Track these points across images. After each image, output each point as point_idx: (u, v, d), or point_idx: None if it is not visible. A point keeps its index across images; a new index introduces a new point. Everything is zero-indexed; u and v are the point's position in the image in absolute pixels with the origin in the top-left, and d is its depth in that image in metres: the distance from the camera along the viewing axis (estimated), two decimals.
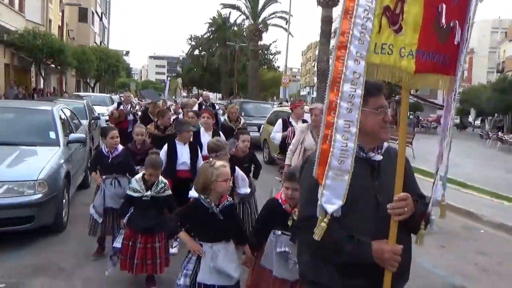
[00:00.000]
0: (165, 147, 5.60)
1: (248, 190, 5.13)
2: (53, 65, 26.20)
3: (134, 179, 4.50)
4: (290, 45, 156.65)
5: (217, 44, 51.41)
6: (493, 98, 35.24)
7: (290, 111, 12.03)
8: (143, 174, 4.47)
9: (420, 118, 39.22)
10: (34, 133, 6.63)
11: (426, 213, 2.08)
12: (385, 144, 2.22)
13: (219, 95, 55.08)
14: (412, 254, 2.20)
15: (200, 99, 20.88)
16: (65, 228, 5.95)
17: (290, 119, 7.43)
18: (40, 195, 5.32)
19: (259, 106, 18.09)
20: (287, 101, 30.67)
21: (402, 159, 2.05)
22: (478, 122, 48.91)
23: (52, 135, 6.67)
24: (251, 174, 5.70)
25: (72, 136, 7.07)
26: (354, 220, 1.95)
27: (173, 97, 22.26)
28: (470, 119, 50.75)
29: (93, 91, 40.15)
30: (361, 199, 1.98)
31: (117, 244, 4.42)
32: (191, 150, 5.65)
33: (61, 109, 7.77)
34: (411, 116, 34.62)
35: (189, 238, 3.33)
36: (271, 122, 13.07)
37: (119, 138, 5.40)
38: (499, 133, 29.25)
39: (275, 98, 46.51)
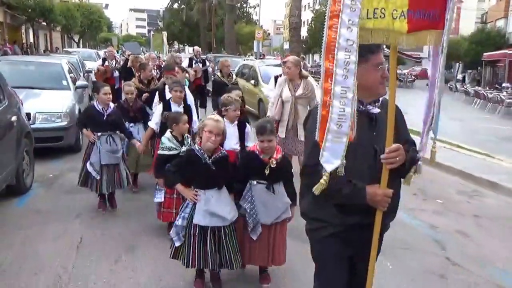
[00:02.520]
0: (160, 107, 5.64)
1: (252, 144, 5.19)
2: (44, 23, 27.96)
3: (166, 138, 4.53)
4: None
5: None
6: (470, 51, 34.50)
7: (257, 65, 14.27)
8: (171, 132, 4.57)
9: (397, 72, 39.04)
10: (52, 81, 9.00)
11: (416, 159, 2.30)
12: (381, 98, 2.38)
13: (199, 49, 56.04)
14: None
15: (182, 54, 22.59)
16: (81, 149, 8.41)
17: (282, 76, 7.19)
18: (65, 123, 7.82)
19: (230, 59, 20.15)
20: (261, 55, 32.43)
21: (392, 114, 2.20)
22: (460, 76, 45.50)
23: (64, 82, 9.11)
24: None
25: (78, 83, 9.56)
26: (354, 166, 2.11)
27: (156, 52, 23.18)
28: (459, 73, 48.04)
29: (77, 47, 41.70)
30: (360, 148, 2.13)
31: (158, 199, 4.64)
32: (185, 110, 5.62)
33: (66, 63, 10.17)
34: None
35: (183, 188, 3.61)
36: (237, 74, 15.38)
37: (111, 95, 5.45)
38: (464, 85, 29.90)
39: (252, 52, 48.08)
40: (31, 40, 32.24)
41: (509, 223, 6.05)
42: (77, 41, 44.31)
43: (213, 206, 3.46)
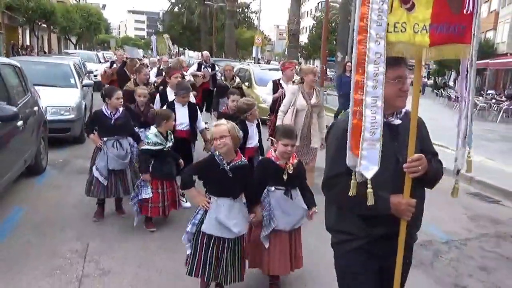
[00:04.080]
0: (164, 107, 5.94)
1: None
2: (44, 25, 29.39)
3: (153, 134, 4.97)
4: (277, 1, 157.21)
5: (196, 2, 53.93)
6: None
7: (253, 69, 15.59)
8: (157, 129, 5.05)
9: None
10: (61, 79, 10.30)
11: (457, 170, 2.44)
12: (403, 109, 2.51)
13: (199, 54, 57.61)
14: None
15: (183, 57, 23.74)
16: (85, 141, 9.69)
17: (281, 81, 7.57)
18: (73, 116, 9.11)
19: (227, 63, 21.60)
20: (259, 61, 33.80)
21: (414, 124, 2.36)
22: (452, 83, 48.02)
23: (72, 81, 10.41)
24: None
25: (84, 82, 10.90)
26: (376, 176, 2.22)
27: (159, 56, 22.94)
28: (451, 80, 50.31)
29: (75, 48, 43.20)
30: (383, 158, 2.22)
31: (146, 195, 5.01)
32: (190, 111, 5.91)
33: (73, 64, 11.48)
34: None
35: (196, 194, 3.66)
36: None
37: (122, 99, 5.51)
38: (446, 90, 32.39)
39: (252, 57, 49.43)
40: (28, 41, 33.82)
41: (441, 192, 7.35)
42: (74, 42, 45.95)
43: (222, 216, 3.49)
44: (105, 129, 5.36)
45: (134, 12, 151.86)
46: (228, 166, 3.49)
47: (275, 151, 3.80)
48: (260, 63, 31.59)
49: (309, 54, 53.91)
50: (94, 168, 5.34)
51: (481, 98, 23.61)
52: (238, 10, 49.69)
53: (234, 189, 3.55)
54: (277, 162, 3.71)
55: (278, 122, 6.36)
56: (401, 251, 2.43)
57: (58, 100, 9.19)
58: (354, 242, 2.49)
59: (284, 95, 6.99)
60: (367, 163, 2.20)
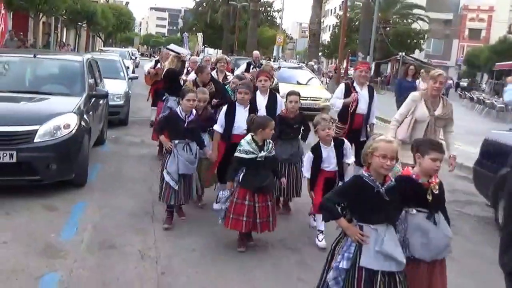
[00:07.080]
0: (224, 108, 5.87)
1: (352, 160, 5.40)
2: (84, 25, 32.67)
3: (245, 141, 4.80)
4: None
5: (220, 1, 56.62)
6: (490, 60, 36.94)
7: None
8: (252, 136, 4.83)
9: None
10: (112, 72, 12.74)
11: None
12: None
13: (220, 51, 60.21)
14: None
15: (203, 54, 25.72)
16: (128, 123, 12.09)
17: (354, 84, 7.10)
18: (122, 102, 11.56)
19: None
20: (278, 60, 35.83)
21: None
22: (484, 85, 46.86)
23: (121, 73, 12.97)
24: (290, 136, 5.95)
25: (130, 75, 13.51)
26: None
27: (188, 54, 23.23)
28: (484, 82, 49.05)
29: (103, 45, 46.46)
30: None
31: (222, 195, 4.91)
32: (251, 113, 5.63)
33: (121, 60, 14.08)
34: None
35: (348, 225, 3.25)
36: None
37: (195, 102, 5.56)
38: (472, 92, 33.08)
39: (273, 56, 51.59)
40: (64, 38, 37.08)
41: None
42: (103, 40, 49.41)
43: (386, 246, 3.13)
44: (177, 131, 5.45)
45: (156, 9, 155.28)
46: (383, 188, 3.20)
47: (412, 167, 3.52)
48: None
49: (331, 52, 55.94)
50: (165, 172, 5.40)
51: (500, 99, 24.82)
52: (261, 9, 52.11)
53: (393, 214, 3.27)
54: (419, 180, 3.40)
55: (391, 133, 5.73)
56: None
57: (112, 89, 11.36)
58: None
59: (358, 100, 6.84)
60: None
